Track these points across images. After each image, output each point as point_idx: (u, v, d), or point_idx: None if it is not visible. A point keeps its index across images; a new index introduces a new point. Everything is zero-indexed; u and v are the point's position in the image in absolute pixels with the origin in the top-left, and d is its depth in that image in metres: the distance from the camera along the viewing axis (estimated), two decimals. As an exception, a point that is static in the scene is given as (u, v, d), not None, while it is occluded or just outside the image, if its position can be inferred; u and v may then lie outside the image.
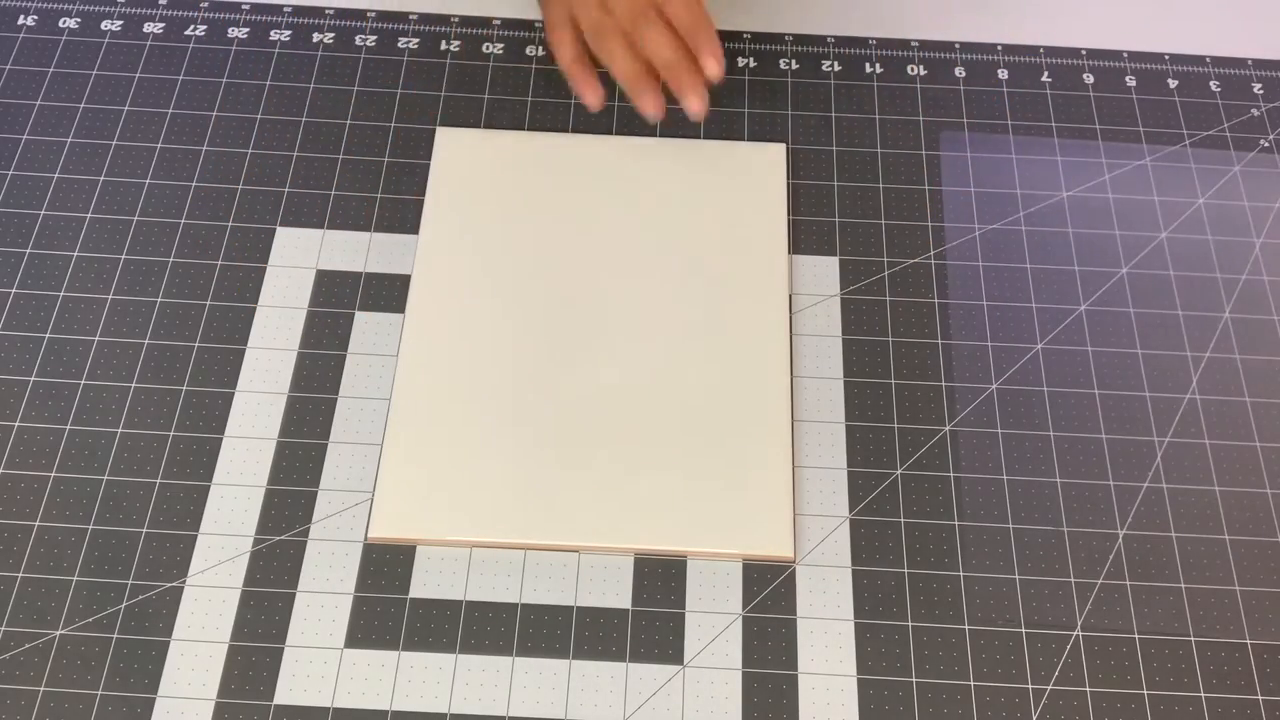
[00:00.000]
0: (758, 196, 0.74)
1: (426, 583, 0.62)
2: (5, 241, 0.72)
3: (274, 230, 0.72)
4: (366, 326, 0.69)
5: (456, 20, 0.82)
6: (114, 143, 0.76)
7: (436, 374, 0.67)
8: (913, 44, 0.82)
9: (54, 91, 0.78)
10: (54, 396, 0.66)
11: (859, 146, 0.77)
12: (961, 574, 0.62)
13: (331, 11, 0.82)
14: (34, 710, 0.58)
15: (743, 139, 0.77)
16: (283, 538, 0.63)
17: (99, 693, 0.58)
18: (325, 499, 0.64)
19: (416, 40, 0.81)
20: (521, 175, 0.74)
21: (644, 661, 0.60)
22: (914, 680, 0.60)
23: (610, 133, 0.77)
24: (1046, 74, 0.81)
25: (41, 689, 0.58)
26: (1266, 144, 0.78)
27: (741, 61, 0.80)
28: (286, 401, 0.67)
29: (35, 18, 0.81)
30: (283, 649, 0.60)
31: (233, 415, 0.66)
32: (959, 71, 0.80)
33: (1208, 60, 0.82)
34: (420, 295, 0.70)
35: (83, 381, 0.67)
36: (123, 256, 0.71)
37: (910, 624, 0.61)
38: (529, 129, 0.77)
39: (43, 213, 0.73)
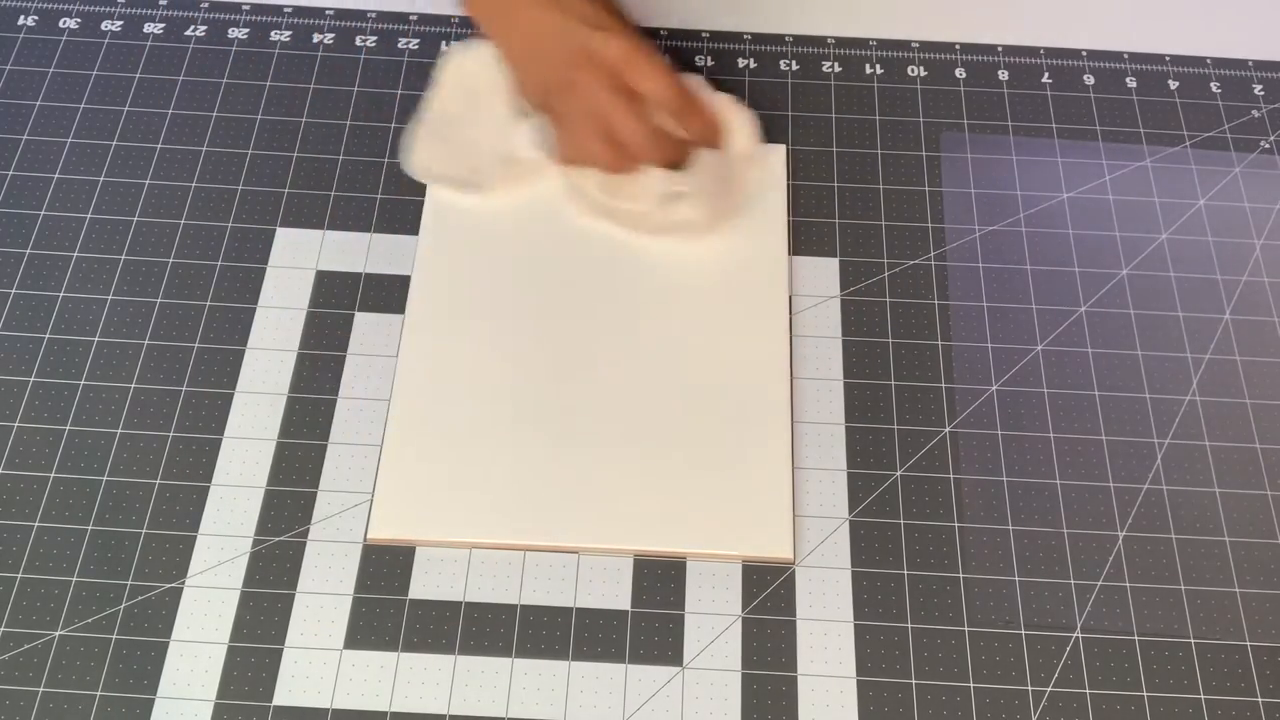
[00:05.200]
0: (758, 197, 0.74)
1: (426, 584, 0.62)
2: (5, 241, 0.72)
3: (274, 230, 0.72)
4: (366, 327, 0.69)
5: (456, 21, 0.82)
6: (114, 143, 0.75)
7: (436, 375, 0.67)
8: (913, 45, 0.82)
9: (54, 91, 0.78)
10: (54, 396, 0.66)
11: (859, 147, 0.77)
12: (961, 575, 0.62)
13: (331, 12, 0.82)
14: (34, 710, 0.58)
15: (743, 140, 0.77)
16: (282, 538, 0.63)
17: (98, 693, 0.58)
18: (325, 500, 0.64)
19: (417, 41, 0.81)
20: (522, 175, 0.75)
21: (643, 663, 0.60)
22: (913, 682, 0.60)
23: (610, 133, 0.77)
24: (1047, 75, 0.81)
25: (41, 689, 0.58)
26: (1267, 145, 0.78)
27: (742, 62, 0.80)
28: (286, 402, 0.67)
29: (35, 18, 0.81)
30: (282, 650, 0.60)
31: (233, 415, 0.66)
32: (959, 72, 0.80)
33: (1208, 61, 0.82)
34: (420, 296, 0.70)
35: (83, 381, 0.67)
36: (123, 256, 0.71)
37: (910, 626, 0.61)
38: (529, 129, 0.77)
39: (43, 213, 0.73)
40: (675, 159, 0.70)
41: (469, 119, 0.74)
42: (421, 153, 0.74)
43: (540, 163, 0.72)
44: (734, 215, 0.72)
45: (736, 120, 0.72)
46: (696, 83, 0.72)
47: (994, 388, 0.68)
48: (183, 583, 0.61)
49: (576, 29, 0.68)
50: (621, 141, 0.68)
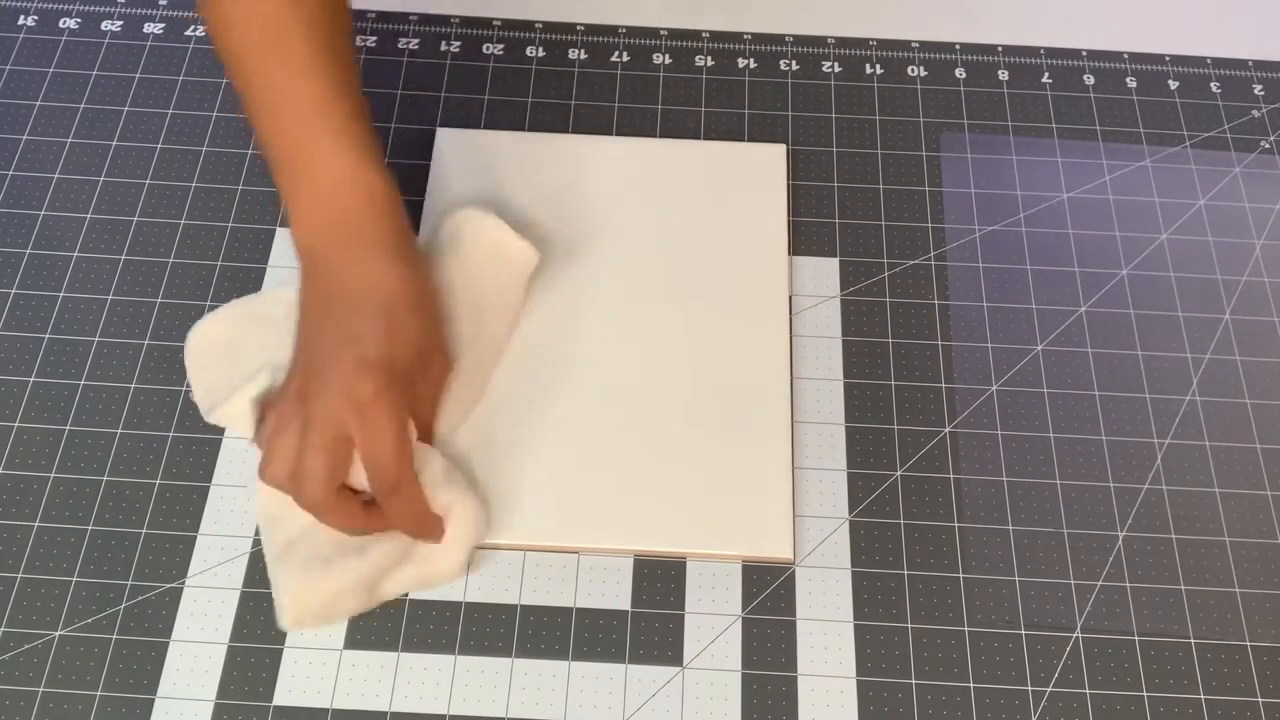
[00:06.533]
0: (758, 197, 0.74)
1: (426, 584, 0.62)
2: (5, 241, 0.72)
3: (274, 230, 0.72)
4: (366, 327, 0.69)
5: (456, 20, 0.82)
6: (114, 143, 0.75)
7: (436, 375, 0.67)
8: (913, 45, 0.82)
9: (54, 91, 0.78)
10: (54, 396, 0.66)
11: (859, 147, 0.77)
12: (961, 576, 0.62)
13: (332, 11, 0.82)
14: (34, 710, 0.58)
15: (743, 139, 0.77)
16: (282, 538, 0.63)
17: (99, 693, 0.58)
18: (325, 500, 0.64)
19: (417, 40, 0.81)
20: (521, 175, 0.74)
21: (643, 663, 0.60)
22: (913, 682, 0.60)
23: (610, 133, 0.77)
24: (1047, 75, 0.81)
25: (41, 689, 0.58)
26: (1267, 145, 0.78)
27: (742, 62, 0.80)
28: (286, 402, 0.67)
29: (35, 18, 0.81)
30: (282, 650, 0.60)
31: (232, 416, 0.66)
32: (959, 72, 0.80)
33: (1208, 61, 0.82)
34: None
35: (83, 381, 0.67)
36: (123, 256, 0.71)
37: (910, 626, 0.61)
38: (529, 129, 0.77)
39: (43, 213, 0.73)
40: (354, 526, 0.59)
41: (258, 334, 0.66)
42: (211, 328, 0.66)
43: (245, 424, 0.63)
44: (353, 609, 0.60)
45: (461, 523, 0.61)
46: (446, 479, 0.61)
47: (994, 388, 0.68)
48: (183, 583, 0.61)
49: (380, 325, 0.59)
50: (299, 476, 0.58)
